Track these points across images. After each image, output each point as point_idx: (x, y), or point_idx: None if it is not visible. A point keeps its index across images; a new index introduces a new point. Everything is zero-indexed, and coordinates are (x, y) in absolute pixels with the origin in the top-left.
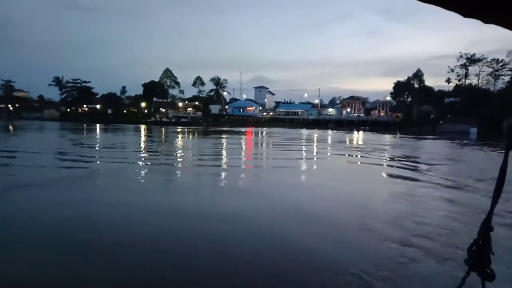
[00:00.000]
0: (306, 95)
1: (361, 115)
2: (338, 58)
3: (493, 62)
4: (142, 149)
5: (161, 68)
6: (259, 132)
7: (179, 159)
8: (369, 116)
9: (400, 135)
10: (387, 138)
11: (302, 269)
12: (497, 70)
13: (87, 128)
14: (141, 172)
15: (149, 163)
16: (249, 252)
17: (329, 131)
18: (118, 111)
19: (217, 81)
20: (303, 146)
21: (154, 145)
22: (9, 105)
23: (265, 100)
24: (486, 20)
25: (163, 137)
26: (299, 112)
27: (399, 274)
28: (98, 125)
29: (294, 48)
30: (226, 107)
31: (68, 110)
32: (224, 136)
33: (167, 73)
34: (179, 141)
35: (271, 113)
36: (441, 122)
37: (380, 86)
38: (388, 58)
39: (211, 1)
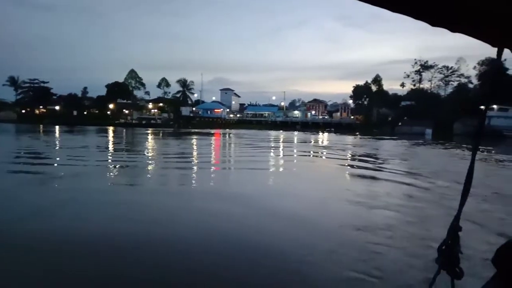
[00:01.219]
0: (274, 97)
1: (326, 117)
2: (299, 62)
3: (443, 69)
4: (143, 154)
5: (123, 69)
6: (231, 133)
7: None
8: (332, 118)
9: (362, 136)
10: (351, 138)
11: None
12: (447, 76)
13: (51, 131)
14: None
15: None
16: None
17: (295, 132)
18: (79, 112)
19: (183, 83)
20: (280, 146)
21: (145, 149)
22: None
23: (232, 102)
24: (453, 30)
25: (146, 140)
26: (266, 114)
27: None
28: (59, 128)
29: (255, 51)
30: (194, 108)
31: (24, 111)
32: (199, 137)
33: (132, 74)
34: (165, 144)
35: (238, 115)
36: (399, 124)
37: (338, 89)
38: (346, 62)
39: (175, 5)
